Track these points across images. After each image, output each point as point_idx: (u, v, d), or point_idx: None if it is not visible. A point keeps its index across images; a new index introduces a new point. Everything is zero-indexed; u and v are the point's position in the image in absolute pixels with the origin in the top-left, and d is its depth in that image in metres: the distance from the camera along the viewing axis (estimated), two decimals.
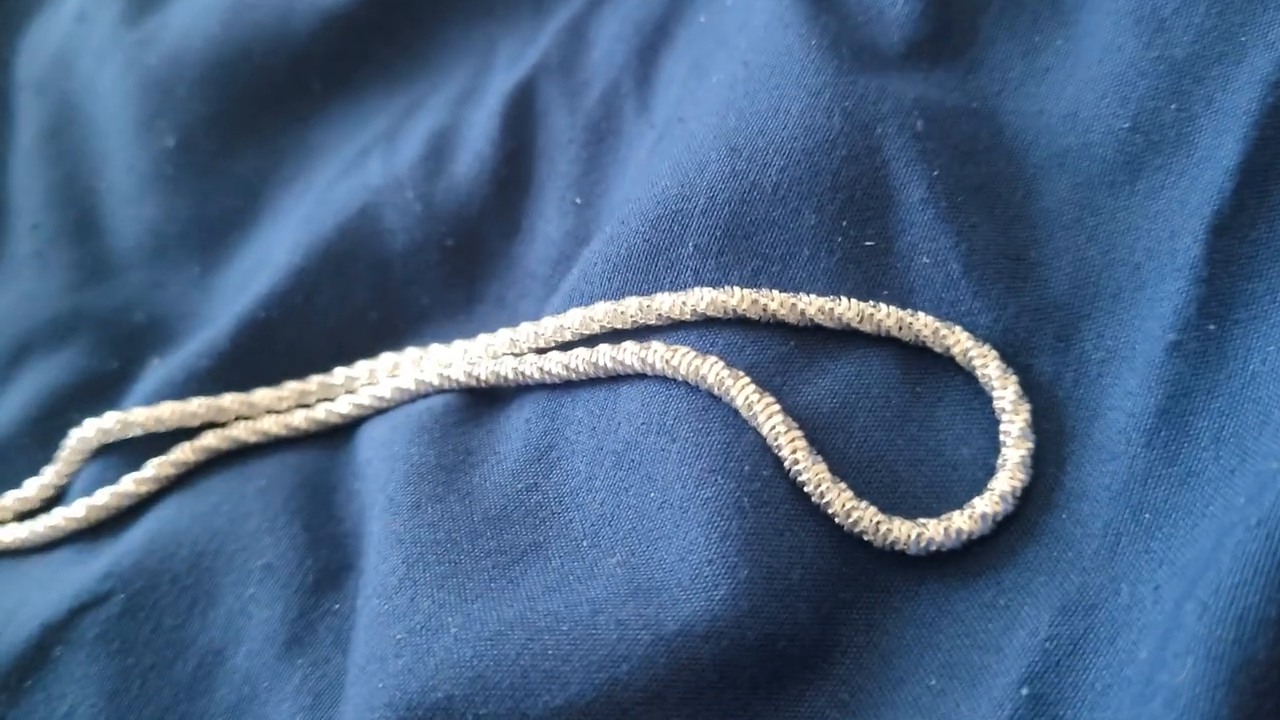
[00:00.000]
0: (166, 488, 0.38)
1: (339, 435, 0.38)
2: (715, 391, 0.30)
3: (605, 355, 0.32)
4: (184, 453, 0.37)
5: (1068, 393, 0.30)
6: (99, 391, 0.42)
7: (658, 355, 0.31)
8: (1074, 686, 0.26)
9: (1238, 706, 0.22)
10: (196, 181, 0.44)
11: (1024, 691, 0.27)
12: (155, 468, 0.37)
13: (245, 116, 0.44)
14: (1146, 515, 0.28)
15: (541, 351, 0.34)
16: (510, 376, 0.34)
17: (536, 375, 0.34)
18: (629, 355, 0.32)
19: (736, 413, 0.30)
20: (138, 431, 0.38)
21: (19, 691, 0.34)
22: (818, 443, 0.30)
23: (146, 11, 0.46)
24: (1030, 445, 0.29)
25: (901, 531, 0.29)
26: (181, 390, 0.39)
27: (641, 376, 0.32)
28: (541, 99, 0.41)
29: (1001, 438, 0.30)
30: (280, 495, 0.37)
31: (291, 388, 0.38)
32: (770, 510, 0.29)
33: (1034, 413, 0.30)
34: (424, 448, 0.34)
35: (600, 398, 0.32)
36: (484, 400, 0.36)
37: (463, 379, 0.35)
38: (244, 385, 0.39)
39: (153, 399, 0.39)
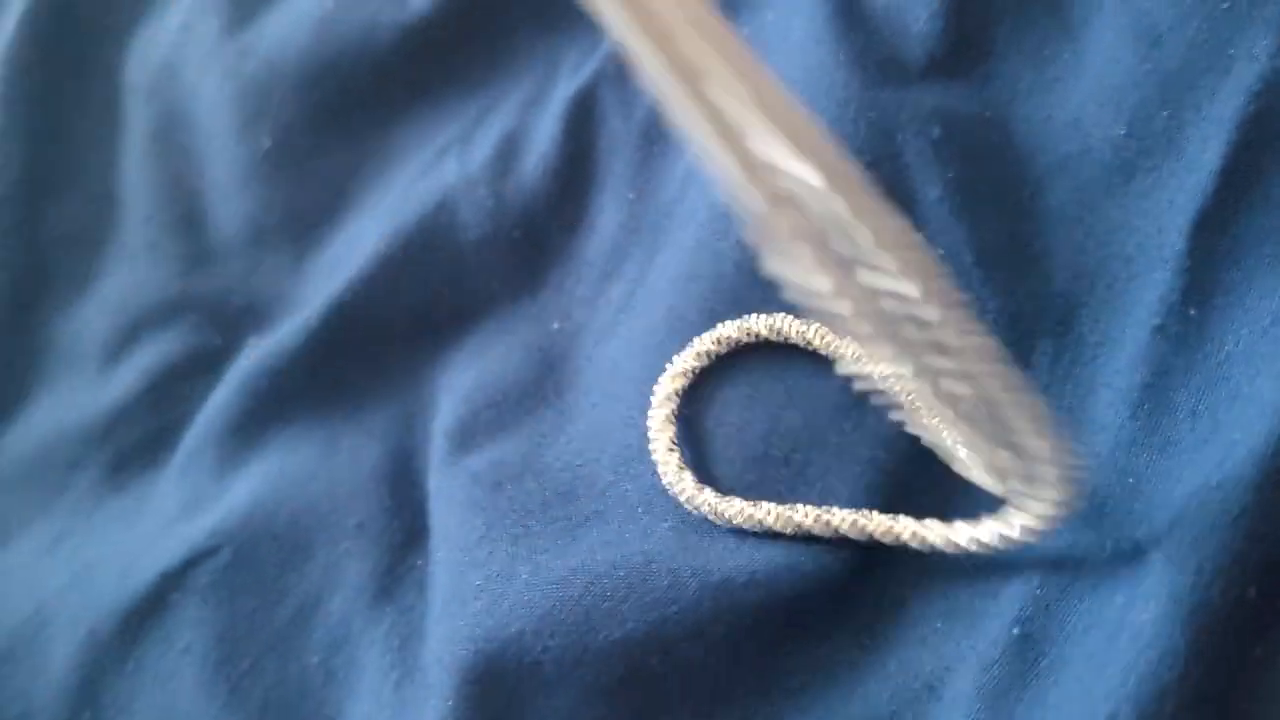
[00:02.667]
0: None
1: (415, 405, 0.42)
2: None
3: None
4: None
5: (1066, 371, 0.33)
6: (205, 366, 0.45)
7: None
8: (1059, 626, 0.30)
9: (1193, 642, 0.26)
10: (290, 179, 0.47)
11: (1015, 631, 0.30)
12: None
13: (334, 120, 0.47)
14: (1130, 479, 0.31)
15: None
16: None
17: None
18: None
19: (776, 398, 0.34)
20: None
21: (140, 630, 0.37)
22: (849, 418, 0.34)
23: (245, 24, 0.49)
24: None
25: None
26: (274, 364, 0.42)
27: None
28: (600, 105, 0.43)
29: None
30: (369, 463, 0.40)
31: None
32: (807, 487, 0.33)
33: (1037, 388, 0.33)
34: (504, 439, 0.38)
35: (649, 379, 0.36)
36: (551, 381, 0.39)
37: None
38: (332, 361, 0.42)
39: (252, 374, 0.42)
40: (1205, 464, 0.29)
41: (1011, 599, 0.31)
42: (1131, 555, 0.29)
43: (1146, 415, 0.31)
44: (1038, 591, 0.30)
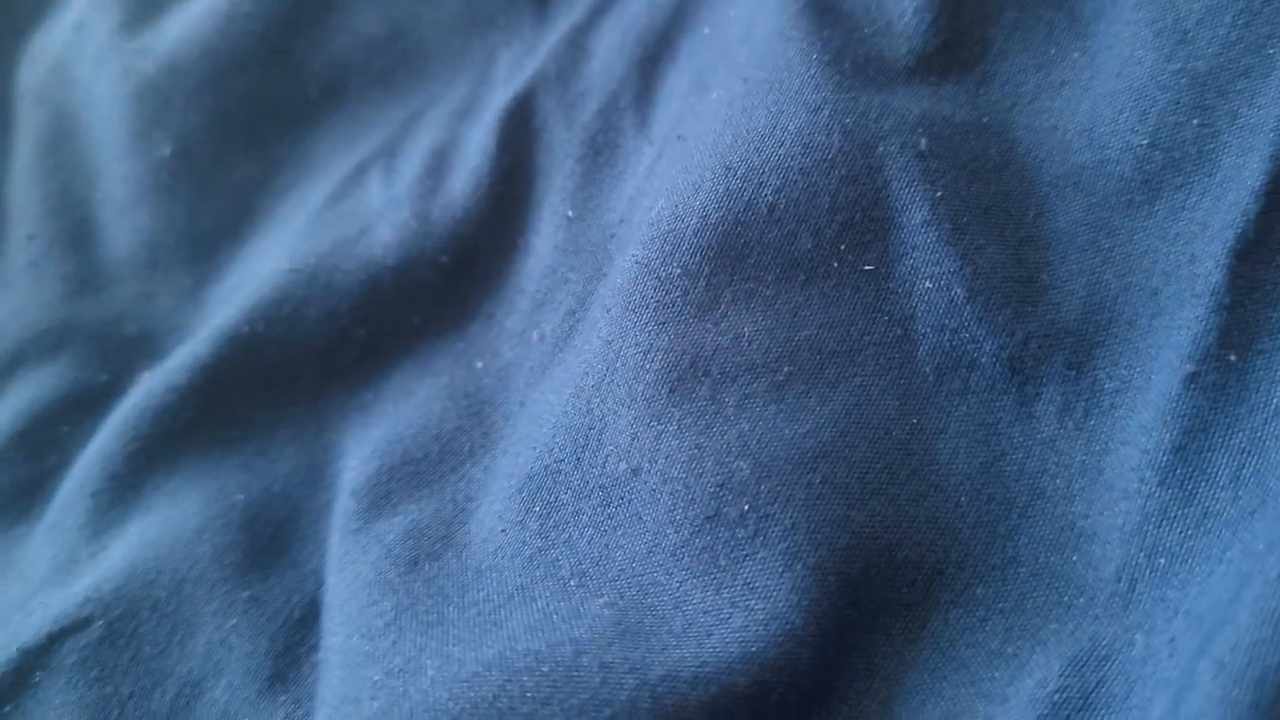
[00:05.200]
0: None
1: (321, 456, 0.37)
2: None
3: None
4: None
5: (1078, 424, 0.29)
6: (88, 405, 0.41)
7: None
8: None
9: None
10: (191, 192, 0.44)
11: None
12: None
13: (241, 126, 0.44)
14: (1161, 559, 0.26)
15: None
16: None
17: None
18: None
19: (729, 448, 0.29)
20: None
21: None
22: (816, 470, 0.29)
23: (144, 20, 0.46)
24: None
25: None
26: (159, 403, 0.38)
27: (632, 409, 0.31)
28: (539, 113, 0.40)
29: None
30: (270, 527, 0.36)
31: None
32: (768, 551, 0.28)
33: (1042, 444, 0.29)
34: (423, 501, 0.34)
35: (584, 425, 0.31)
36: (479, 431, 0.35)
37: None
38: (224, 401, 0.38)
39: (134, 413, 0.39)
40: (1255, 543, 0.24)
41: (1024, 705, 0.26)
42: (1168, 655, 0.25)
43: (1179, 482, 0.27)
44: (1056, 698, 0.26)
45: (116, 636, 0.34)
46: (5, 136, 0.48)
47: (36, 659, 0.34)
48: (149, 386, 0.39)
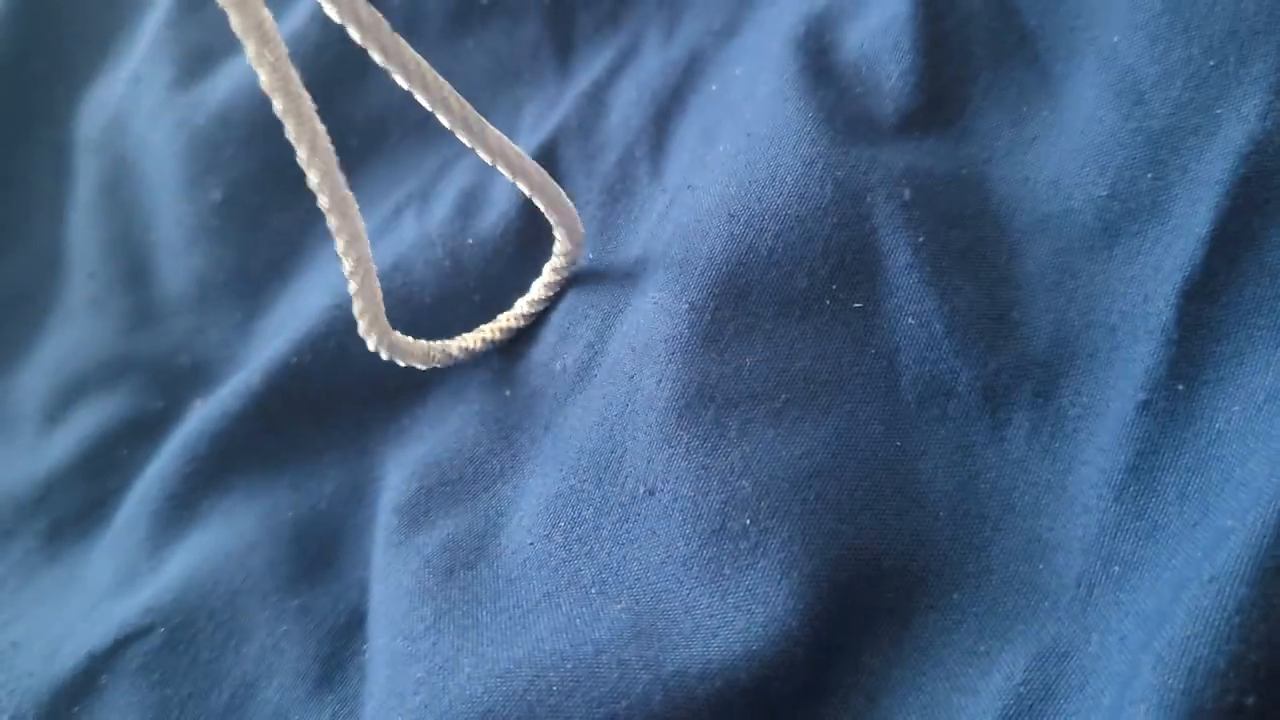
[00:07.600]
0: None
1: (364, 476, 0.40)
2: None
3: None
4: None
5: (1045, 446, 0.32)
6: (146, 430, 0.44)
7: None
8: None
9: None
10: (241, 234, 0.46)
11: None
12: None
13: (286, 174, 0.46)
14: (1116, 568, 0.29)
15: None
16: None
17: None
18: None
19: (733, 469, 0.32)
20: None
21: (66, 716, 0.36)
22: (811, 488, 0.32)
23: (197, 75, 0.48)
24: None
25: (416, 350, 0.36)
26: (214, 428, 0.41)
27: (647, 434, 0.34)
28: (562, 162, 0.42)
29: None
30: (317, 542, 0.38)
31: None
32: (768, 561, 0.31)
33: (1012, 464, 0.32)
34: (458, 517, 0.36)
35: (605, 449, 0.34)
36: (509, 453, 0.37)
37: None
38: (275, 426, 0.41)
39: (192, 437, 0.41)
40: (1195, 552, 0.27)
41: (993, 696, 0.29)
42: (1118, 651, 0.27)
43: (1132, 498, 0.29)
44: (1021, 689, 0.28)
45: (176, 642, 0.36)
46: (65, 182, 0.51)
47: (103, 663, 0.36)
48: (205, 413, 0.41)
